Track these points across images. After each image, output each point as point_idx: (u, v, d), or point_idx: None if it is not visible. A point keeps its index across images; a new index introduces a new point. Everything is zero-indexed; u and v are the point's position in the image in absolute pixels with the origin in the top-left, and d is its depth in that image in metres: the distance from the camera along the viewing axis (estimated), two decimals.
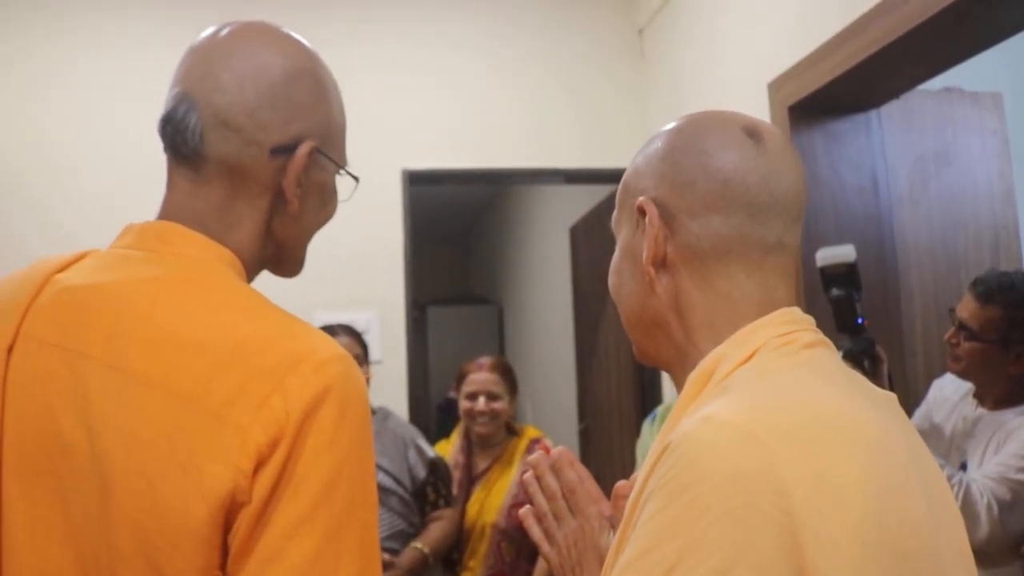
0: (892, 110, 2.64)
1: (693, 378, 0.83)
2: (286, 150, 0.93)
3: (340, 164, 1.01)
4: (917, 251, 2.67)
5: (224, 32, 0.96)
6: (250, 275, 0.98)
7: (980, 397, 2.16)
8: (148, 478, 0.78)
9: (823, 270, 1.86)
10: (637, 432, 3.46)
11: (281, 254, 1.01)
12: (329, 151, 0.98)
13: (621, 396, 4.05)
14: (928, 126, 2.75)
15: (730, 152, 0.85)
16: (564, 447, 1.08)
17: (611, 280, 0.95)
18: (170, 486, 0.78)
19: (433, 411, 7.44)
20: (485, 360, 2.92)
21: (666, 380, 3.53)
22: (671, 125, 0.92)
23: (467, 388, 2.87)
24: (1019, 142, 2.90)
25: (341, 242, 3.41)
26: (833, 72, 2.32)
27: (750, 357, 0.80)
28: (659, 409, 2.90)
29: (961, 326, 2.10)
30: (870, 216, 2.56)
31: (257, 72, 0.93)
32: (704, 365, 0.83)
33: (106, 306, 0.86)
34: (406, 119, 3.55)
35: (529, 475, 1.06)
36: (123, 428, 0.80)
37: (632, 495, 0.78)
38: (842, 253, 1.87)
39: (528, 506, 1.05)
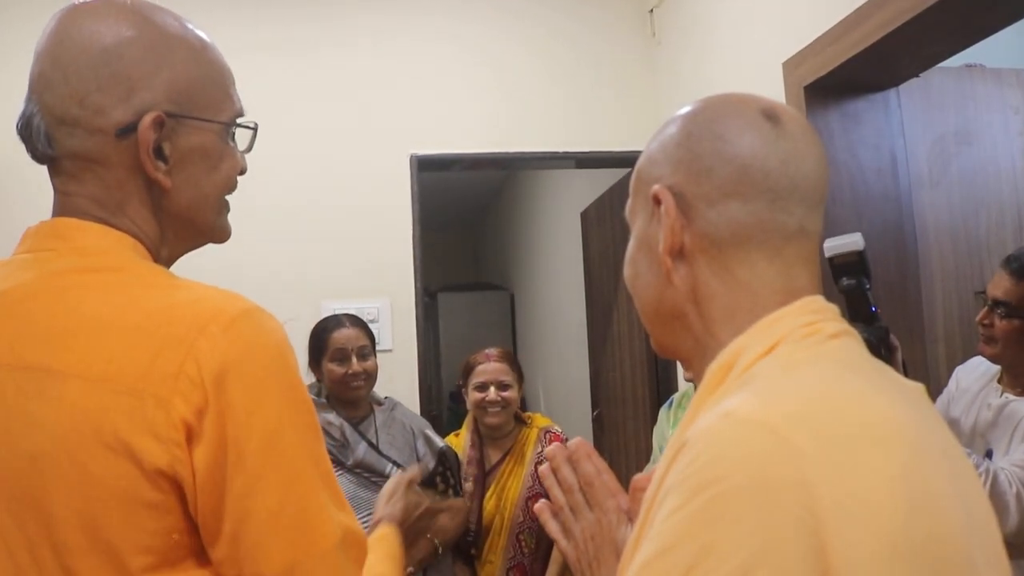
0: (912, 89, 2.57)
1: (713, 370, 0.79)
2: (130, 128, 0.89)
3: (213, 120, 0.95)
4: (938, 234, 2.61)
5: (51, 22, 0.93)
6: (159, 255, 0.96)
7: (1009, 382, 2.11)
8: (81, 466, 0.79)
9: (832, 260, 1.83)
10: (651, 419, 3.43)
11: (187, 227, 0.97)
12: (191, 111, 0.93)
13: (635, 383, 4.01)
14: (949, 105, 2.68)
15: (748, 136, 0.81)
16: (581, 438, 1.06)
17: (626, 271, 0.92)
18: (105, 469, 0.78)
19: (445, 399, 7.43)
20: (492, 351, 2.94)
21: (681, 366, 3.48)
22: (685, 109, 0.88)
23: (476, 379, 2.88)
24: None
25: (350, 230, 3.38)
26: (851, 50, 2.26)
27: (772, 348, 0.77)
28: (676, 396, 2.86)
29: (996, 303, 2.04)
30: (889, 198, 2.50)
31: (77, 57, 0.89)
32: (724, 356, 0.79)
33: (9, 311, 0.85)
34: (414, 104, 3.50)
35: (545, 467, 1.04)
36: (46, 424, 0.80)
37: (650, 490, 0.75)
38: (850, 242, 1.83)
39: (544, 500, 1.03)
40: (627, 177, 3.88)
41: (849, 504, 0.64)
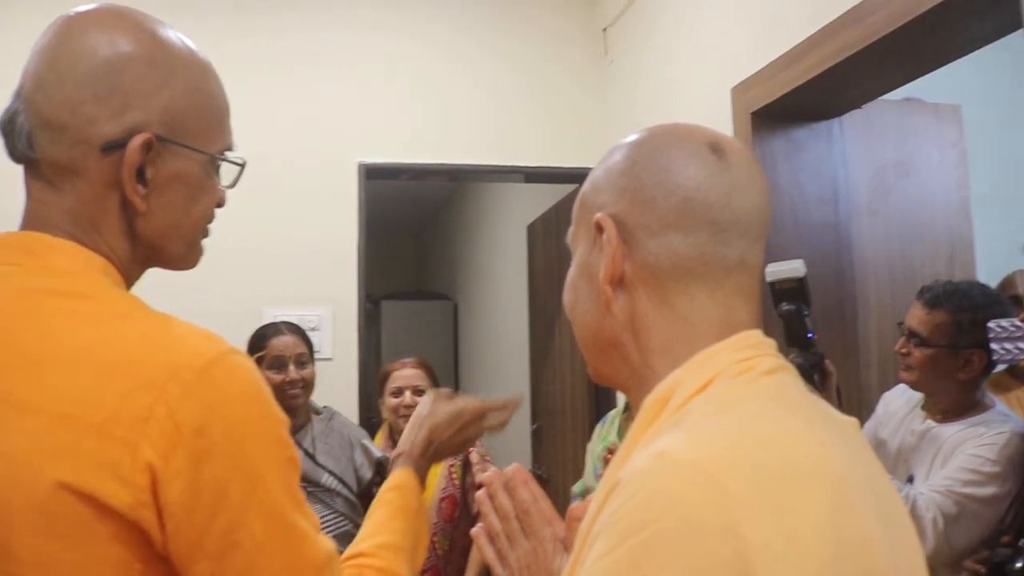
0: (854, 119, 2.63)
1: (648, 404, 0.79)
2: (118, 145, 0.86)
3: (202, 151, 0.93)
4: (875, 263, 2.67)
5: (56, 24, 0.90)
6: (130, 277, 0.93)
7: (929, 408, 2.17)
8: (37, 503, 0.76)
9: (773, 285, 1.87)
10: (589, 434, 3.44)
11: (155, 253, 0.95)
12: (182, 138, 0.90)
13: (575, 397, 4.03)
14: (889, 136, 2.75)
15: (692, 168, 0.81)
16: (518, 464, 1.04)
17: (566, 296, 0.91)
18: (63, 507, 0.76)
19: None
20: (408, 359, 3.04)
21: None
22: (632, 137, 0.87)
23: (392, 385, 2.96)
24: (976, 155, 2.92)
25: (294, 236, 3.34)
26: (797, 79, 2.31)
27: (707, 385, 0.77)
28: (611, 413, 2.87)
29: (911, 334, 2.11)
30: (829, 226, 2.55)
31: (77, 63, 0.86)
32: (660, 391, 0.79)
33: None
34: (364, 113, 3.48)
35: (482, 493, 1.02)
36: (4, 458, 0.77)
37: (583, 526, 0.74)
38: (792, 268, 1.87)
39: (480, 524, 1.02)
40: (574, 193, 3.88)
41: (777, 547, 0.64)
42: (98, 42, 0.87)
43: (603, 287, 0.83)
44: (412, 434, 1.29)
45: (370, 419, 3.33)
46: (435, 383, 2.99)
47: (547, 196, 4.41)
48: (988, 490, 1.94)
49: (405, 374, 2.96)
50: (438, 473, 2.88)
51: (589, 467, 2.80)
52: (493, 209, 6.32)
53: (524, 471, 1.03)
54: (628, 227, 0.82)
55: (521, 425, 5.02)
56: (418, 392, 2.91)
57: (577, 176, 3.66)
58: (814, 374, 1.92)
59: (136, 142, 0.86)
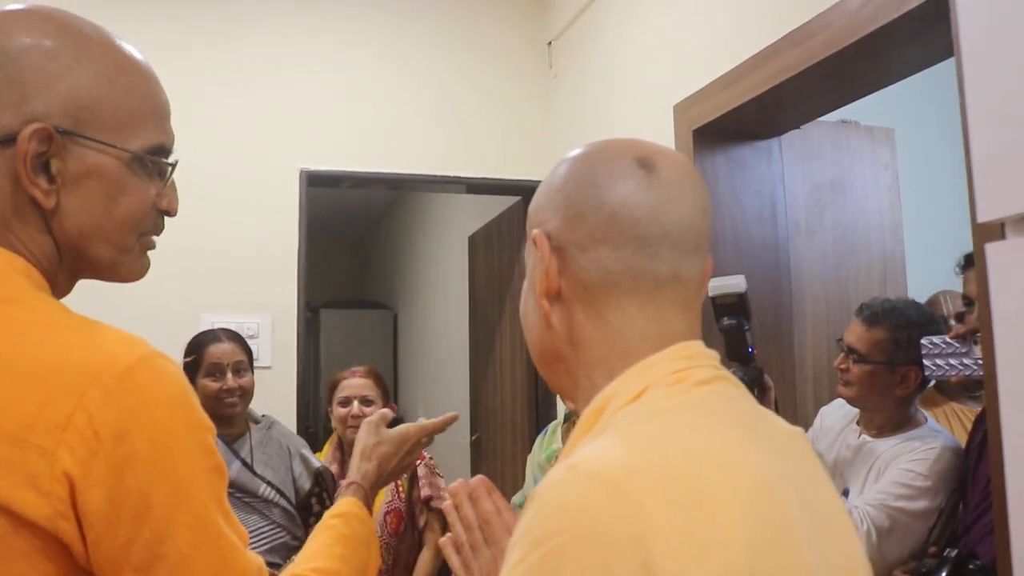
0: (792, 139, 2.70)
1: (585, 416, 0.81)
2: (11, 138, 0.82)
3: (116, 146, 0.87)
4: (811, 280, 2.73)
5: None
6: (55, 283, 0.89)
7: (865, 423, 2.22)
8: None
9: (714, 300, 1.90)
10: (530, 446, 3.44)
11: (79, 258, 0.90)
12: (92, 132, 0.86)
13: (515, 409, 4.03)
14: (825, 157, 2.81)
15: (618, 184, 0.82)
16: (483, 476, 1.07)
17: (520, 311, 0.93)
18: None
19: (323, 417, 7.28)
20: (358, 368, 2.99)
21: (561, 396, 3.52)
22: (571, 153, 0.89)
23: (340, 394, 2.92)
24: (908, 178, 3.00)
25: (234, 242, 3.29)
26: (739, 99, 2.35)
27: (639, 395, 0.78)
28: (551, 424, 2.89)
29: (850, 350, 2.16)
30: (768, 244, 2.60)
31: None
32: (595, 402, 0.80)
33: None
34: (307, 119, 3.45)
35: (448, 504, 1.05)
36: None
37: (511, 538, 0.75)
38: (733, 284, 1.91)
39: (448, 535, 1.04)
40: (517, 205, 3.92)
41: (684, 555, 0.65)
42: (1, 36, 0.84)
43: (540, 302, 0.85)
44: (362, 464, 1.32)
45: (308, 429, 3.30)
46: (385, 392, 2.96)
47: (489, 207, 4.42)
48: (919, 504, 1.99)
49: (353, 383, 2.92)
50: (384, 487, 2.85)
51: (529, 478, 2.81)
52: (435, 219, 6.31)
53: (487, 482, 1.05)
54: (562, 243, 0.84)
55: (461, 436, 5.01)
56: (366, 402, 2.87)
57: (520, 188, 3.68)
58: (753, 389, 1.95)
59: (26, 132, 0.82)
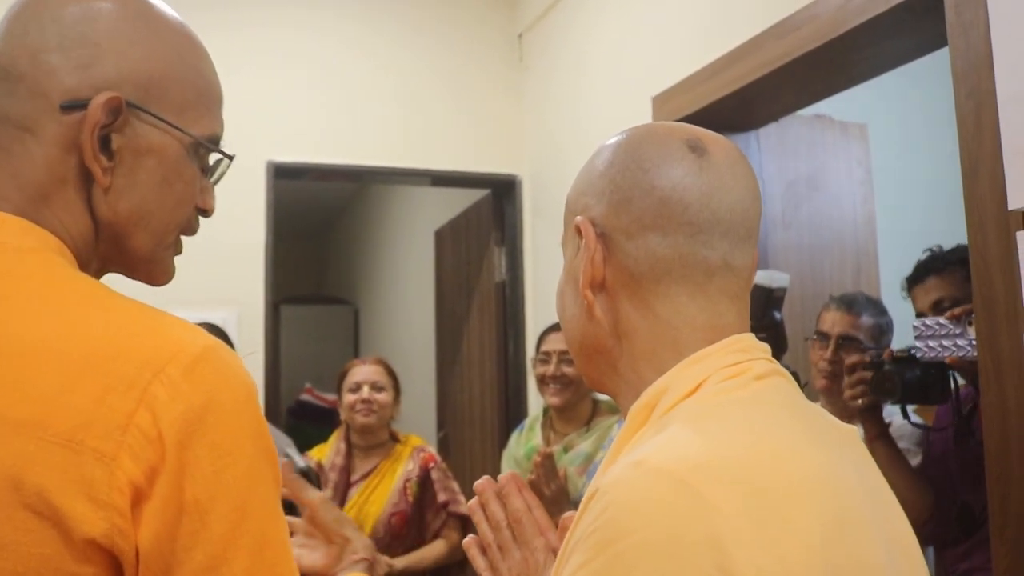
0: (768, 133, 2.69)
1: (634, 411, 0.77)
2: (78, 105, 0.75)
3: (182, 129, 0.80)
4: (787, 272, 2.72)
5: None
6: (90, 271, 0.80)
7: (834, 411, 2.22)
8: None
9: (772, 292, 1.87)
10: (500, 443, 3.41)
11: (120, 246, 0.81)
12: (159, 109, 0.79)
13: (484, 406, 3.99)
14: (801, 151, 2.81)
15: (668, 168, 0.78)
16: (514, 472, 1.02)
17: (557, 303, 0.89)
18: (22, 535, 0.62)
19: (284, 414, 7.19)
20: (368, 357, 3.03)
21: (532, 391, 3.49)
22: (613, 138, 0.85)
23: (350, 380, 2.91)
24: (880, 173, 3.02)
25: (200, 235, 3.19)
26: (718, 92, 2.34)
27: (695, 390, 0.74)
28: (528, 419, 2.87)
29: (845, 339, 2.14)
30: None
31: (43, 9, 0.76)
32: (646, 397, 0.76)
33: None
34: (274, 110, 3.37)
35: (475, 502, 1.00)
36: None
37: (566, 538, 0.71)
38: (783, 277, 1.90)
39: (472, 535, 0.99)
40: (486, 198, 3.87)
41: (759, 557, 0.62)
42: None
43: (584, 292, 0.81)
44: (360, 535, 1.20)
45: (270, 423, 3.23)
46: (396, 381, 2.97)
47: (457, 200, 4.36)
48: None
49: (364, 370, 2.92)
50: (391, 488, 2.80)
51: (507, 471, 2.78)
52: (398, 213, 6.23)
53: (519, 478, 1.00)
54: (607, 230, 0.80)
55: (427, 433, 4.95)
56: (376, 388, 2.88)
57: (488, 181, 3.63)
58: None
59: (100, 99, 0.74)
